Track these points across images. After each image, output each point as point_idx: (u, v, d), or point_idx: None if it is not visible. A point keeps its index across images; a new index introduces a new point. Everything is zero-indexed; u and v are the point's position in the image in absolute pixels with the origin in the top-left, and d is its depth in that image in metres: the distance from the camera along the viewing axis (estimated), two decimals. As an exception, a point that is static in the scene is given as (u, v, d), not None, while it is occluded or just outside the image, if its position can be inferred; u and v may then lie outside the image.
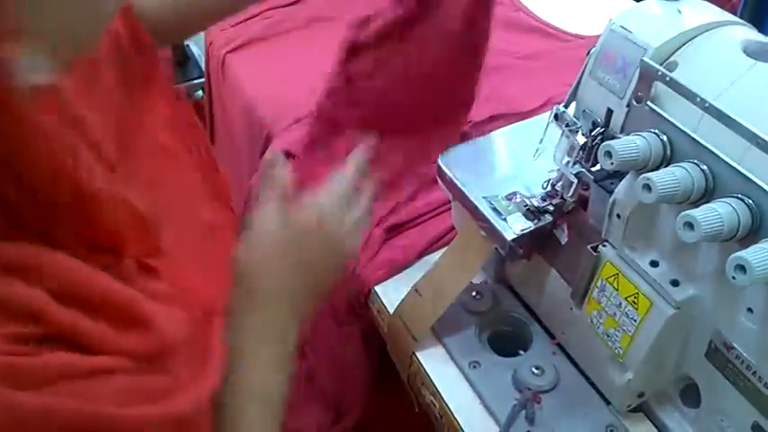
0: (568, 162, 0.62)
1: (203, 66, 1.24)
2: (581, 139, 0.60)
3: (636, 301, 0.57)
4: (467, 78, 0.72)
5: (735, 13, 0.59)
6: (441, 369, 0.70)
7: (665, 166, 0.51)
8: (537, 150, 0.66)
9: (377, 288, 0.77)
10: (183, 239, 0.49)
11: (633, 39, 0.54)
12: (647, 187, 0.47)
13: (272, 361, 0.51)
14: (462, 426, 0.65)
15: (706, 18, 0.54)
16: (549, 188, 0.65)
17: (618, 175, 0.57)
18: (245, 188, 1.01)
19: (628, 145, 0.51)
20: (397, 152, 0.69)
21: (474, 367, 0.69)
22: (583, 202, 0.63)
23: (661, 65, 0.52)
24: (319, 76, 1.07)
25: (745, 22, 0.55)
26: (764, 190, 0.45)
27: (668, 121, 0.51)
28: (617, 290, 0.58)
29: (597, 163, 0.57)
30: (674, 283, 0.55)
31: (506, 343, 0.72)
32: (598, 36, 0.59)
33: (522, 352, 0.71)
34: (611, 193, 0.57)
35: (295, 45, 1.17)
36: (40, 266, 0.35)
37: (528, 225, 0.64)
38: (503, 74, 1.07)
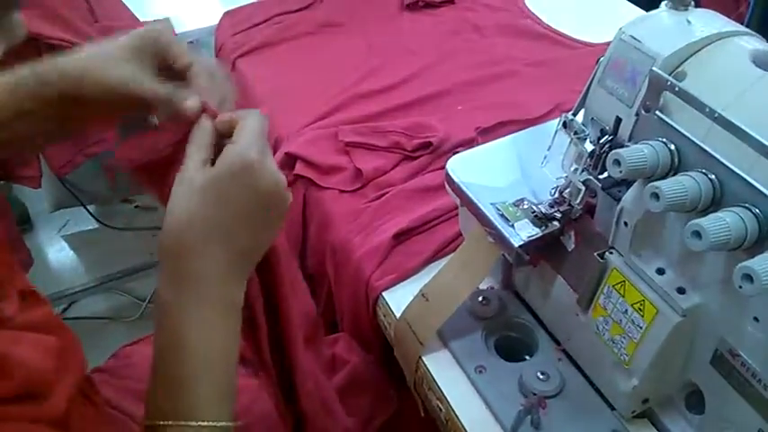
0: (576, 169, 0.62)
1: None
2: (589, 147, 0.61)
3: (642, 308, 0.57)
4: None
5: (741, 23, 0.59)
6: (447, 373, 0.70)
7: (673, 175, 0.51)
8: (545, 157, 0.66)
9: (384, 293, 0.78)
10: None
11: (642, 48, 0.55)
12: (656, 196, 0.48)
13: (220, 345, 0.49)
14: (468, 430, 0.65)
15: (715, 28, 0.54)
16: (556, 195, 0.65)
17: (625, 182, 0.58)
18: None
19: (636, 153, 0.51)
20: None
21: (480, 372, 0.69)
22: (590, 210, 0.63)
23: (670, 74, 0.53)
24: (328, 80, 1.08)
25: (755, 33, 0.55)
26: (772, 200, 0.46)
27: (677, 130, 0.51)
28: (623, 297, 0.58)
29: (605, 171, 0.58)
30: (681, 291, 0.55)
31: (512, 348, 0.72)
32: (605, 43, 0.59)
33: (527, 357, 0.71)
34: (618, 200, 0.58)
35: (305, 50, 1.18)
36: None
37: (535, 231, 0.65)
38: (511, 80, 1.07)
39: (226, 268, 0.50)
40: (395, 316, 0.75)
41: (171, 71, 0.55)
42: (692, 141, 0.50)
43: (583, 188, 0.62)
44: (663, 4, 0.58)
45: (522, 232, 0.65)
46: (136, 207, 1.89)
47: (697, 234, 0.45)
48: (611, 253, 0.60)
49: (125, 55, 0.54)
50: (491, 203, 0.68)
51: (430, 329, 0.71)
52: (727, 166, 0.48)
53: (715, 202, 0.49)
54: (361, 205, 0.88)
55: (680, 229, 0.53)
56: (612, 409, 0.65)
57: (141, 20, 1.25)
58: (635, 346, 0.58)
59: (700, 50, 0.54)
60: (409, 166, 0.92)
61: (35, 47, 1.09)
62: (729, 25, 0.55)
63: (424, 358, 0.71)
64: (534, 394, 0.66)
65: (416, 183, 0.89)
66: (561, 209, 0.65)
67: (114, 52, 0.54)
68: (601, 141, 0.59)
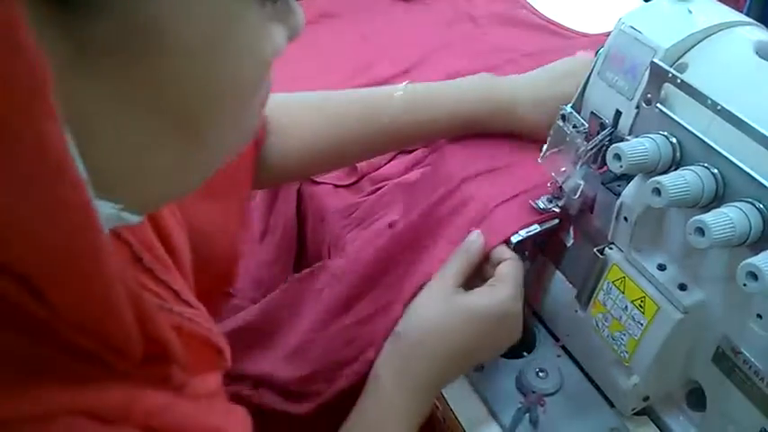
0: (575, 163, 0.61)
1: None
2: (588, 141, 0.59)
3: (642, 304, 0.56)
4: None
5: (741, 12, 0.58)
6: (444, 371, 0.69)
7: (675, 170, 0.50)
8: (543, 151, 0.65)
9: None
10: None
11: (643, 39, 0.54)
12: (657, 191, 0.47)
13: None
14: (465, 429, 0.64)
15: (717, 18, 0.53)
16: (555, 190, 0.64)
17: (625, 177, 0.57)
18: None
19: (637, 147, 0.50)
20: None
21: (477, 369, 0.68)
22: (589, 205, 0.62)
23: (671, 66, 0.52)
24: (324, 72, 1.07)
25: (758, 23, 0.54)
26: (776, 195, 0.45)
27: (678, 123, 0.50)
28: (623, 293, 0.57)
29: (605, 165, 0.57)
30: (682, 288, 0.54)
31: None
32: (603, 34, 0.58)
33: (525, 354, 0.70)
34: (618, 195, 0.57)
35: (299, 41, 1.15)
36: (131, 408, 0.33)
37: (533, 227, 0.64)
38: (506, 71, 1.05)
39: (439, 381, 0.59)
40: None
41: None
42: (695, 135, 0.49)
43: (582, 183, 0.60)
44: (663, -7, 0.57)
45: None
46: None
47: (700, 231, 0.44)
48: (610, 248, 0.59)
49: None
50: (488, 198, 0.66)
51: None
52: (731, 160, 0.47)
53: (718, 198, 0.48)
54: (356, 200, 0.87)
55: (681, 225, 0.52)
56: (612, 406, 0.64)
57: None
58: (635, 343, 0.57)
59: (702, 41, 0.53)
60: (405, 159, 0.90)
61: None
62: (732, 15, 0.54)
63: (420, 356, 0.70)
64: (533, 392, 0.65)
65: (412, 177, 0.87)
66: (560, 204, 0.64)
67: None
68: (600, 135, 0.58)
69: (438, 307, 0.58)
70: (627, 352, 0.58)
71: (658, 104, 0.52)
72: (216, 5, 0.28)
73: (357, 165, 0.89)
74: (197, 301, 0.45)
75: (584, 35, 1.14)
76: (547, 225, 0.64)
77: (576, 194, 0.61)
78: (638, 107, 0.54)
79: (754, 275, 0.42)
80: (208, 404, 0.40)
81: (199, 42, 0.28)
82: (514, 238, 0.63)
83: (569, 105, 0.60)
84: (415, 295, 0.62)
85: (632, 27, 0.55)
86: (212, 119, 0.31)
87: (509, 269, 0.60)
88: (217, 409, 0.41)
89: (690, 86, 0.49)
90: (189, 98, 0.29)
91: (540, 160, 0.65)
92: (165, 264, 0.43)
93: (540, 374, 0.66)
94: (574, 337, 0.67)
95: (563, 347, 0.69)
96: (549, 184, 0.64)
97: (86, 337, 0.29)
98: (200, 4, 0.27)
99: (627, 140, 0.52)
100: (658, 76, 0.51)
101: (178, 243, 0.47)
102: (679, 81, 0.50)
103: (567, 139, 0.61)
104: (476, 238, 0.62)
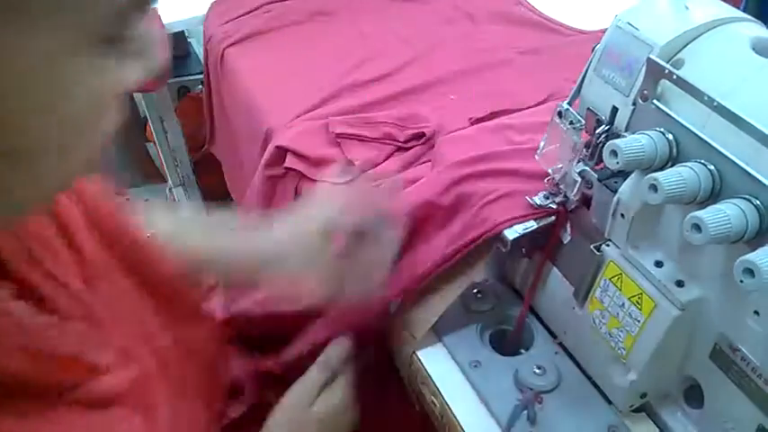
0: (572, 160, 0.61)
1: (203, 60, 1.23)
2: (585, 137, 0.59)
3: (640, 301, 0.56)
4: None
5: (738, 8, 0.58)
6: (441, 368, 0.69)
7: (671, 166, 0.50)
8: (540, 148, 0.65)
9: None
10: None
11: (639, 36, 0.54)
12: (654, 188, 0.47)
13: None
14: (463, 426, 0.64)
15: (714, 14, 0.53)
16: (551, 186, 0.64)
17: (622, 173, 0.57)
18: (246, 184, 1.00)
19: (633, 144, 0.50)
20: None
21: (475, 366, 0.68)
22: (586, 201, 0.62)
23: (667, 62, 0.51)
24: (319, 70, 1.07)
25: (755, 19, 0.54)
26: (773, 191, 0.44)
27: (675, 119, 0.50)
28: (620, 290, 0.57)
29: (601, 161, 0.57)
30: (679, 284, 0.54)
31: (508, 342, 0.71)
32: (601, 31, 0.58)
33: (523, 351, 0.70)
34: (615, 192, 0.57)
35: (295, 39, 1.16)
36: None
37: (531, 224, 0.64)
38: (503, 69, 1.06)
39: None
40: (389, 311, 0.74)
41: None
42: (691, 131, 0.49)
43: (579, 179, 0.60)
44: (660, -11, 0.56)
45: (517, 225, 0.64)
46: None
47: (697, 227, 0.44)
48: (607, 245, 0.59)
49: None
50: (485, 195, 0.66)
51: (424, 324, 0.69)
52: (727, 157, 0.47)
53: (714, 194, 0.48)
54: (353, 197, 0.86)
55: (678, 221, 0.52)
56: (610, 403, 0.64)
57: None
58: (632, 339, 0.57)
59: (698, 37, 0.53)
60: (402, 157, 0.90)
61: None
62: (728, 11, 0.54)
63: (418, 353, 0.70)
64: (530, 389, 0.65)
65: (409, 175, 0.87)
66: (556, 200, 0.64)
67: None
68: (597, 131, 0.58)
69: (297, 411, 0.62)
70: (624, 349, 0.58)
71: (655, 101, 0.52)
72: (40, 43, 0.28)
73: (354, 162, 0.89)
74: (83, 287, 0.45)
75: (582, 32, 1.14)
76: (543, 221, 0.64)
77: (572, 191, 0.61)
78: (634, 103, 0.54)
79: (751, 272, 0.42)
80: (81, 420, 0.40)
81: (19, 77, 0.28)
82: (511, 236, 0.63)
83: (566, 102, 0.60)
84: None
85: (629, 23, 0.55)
86: (39, 149, 0.31)
87: (339, 383, 0.64)
88: (94, 424, 0.41)
89: (686, 83, 0.49)
90: (12, 128, 0.29)
91: (536, 157, 0.64)
92: (54, 251, 0.43)
93: (538, 371, 0.66)
94: (571, 334, 0.67)
95: (560, 344, 0.69)
96: (545, 181, 0.64)
97: None
98: (21, 40, 0.27)
99: (623, 137, 0.52)
100: (655, 72, 0.51)
101: (70, 219, 0.46)
102: (675, 77, 0.49)
103: (564, 135, 0.61)
104: (332, 351, 0.64)
